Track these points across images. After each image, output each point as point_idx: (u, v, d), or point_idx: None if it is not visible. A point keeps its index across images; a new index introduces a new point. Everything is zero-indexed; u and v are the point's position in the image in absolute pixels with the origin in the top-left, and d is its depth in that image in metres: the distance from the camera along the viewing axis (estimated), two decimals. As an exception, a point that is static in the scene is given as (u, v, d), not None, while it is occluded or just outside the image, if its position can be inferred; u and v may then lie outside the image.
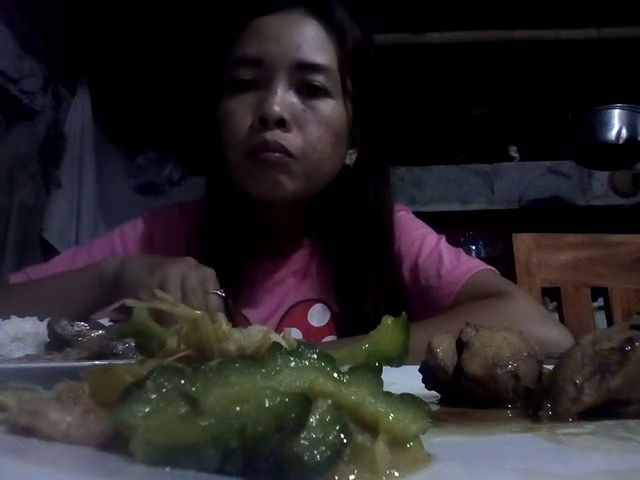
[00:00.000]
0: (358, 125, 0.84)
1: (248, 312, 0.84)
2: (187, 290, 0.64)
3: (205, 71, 0.96)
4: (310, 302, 0.85)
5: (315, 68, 0.78)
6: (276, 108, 0.74)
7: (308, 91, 0.78)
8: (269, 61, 0.77)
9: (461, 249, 0.87)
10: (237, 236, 0.84)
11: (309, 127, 0.77)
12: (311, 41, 0.79)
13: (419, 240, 0.86)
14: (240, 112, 0.78)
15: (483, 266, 0.82)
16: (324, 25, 0.80)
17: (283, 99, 0.76)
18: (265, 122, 0.74)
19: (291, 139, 0.76)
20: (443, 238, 0.87)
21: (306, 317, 0.84)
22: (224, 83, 0.81)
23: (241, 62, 0.79)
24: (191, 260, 0.68)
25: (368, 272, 0.82)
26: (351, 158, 0.85)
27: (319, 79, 0.78)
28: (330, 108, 0.79)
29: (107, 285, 0.72)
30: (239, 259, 0.84)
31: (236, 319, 0.78)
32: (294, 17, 0.80)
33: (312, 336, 0.81)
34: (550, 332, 0.67)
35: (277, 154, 0.75)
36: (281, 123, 0.75)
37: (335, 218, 0.85)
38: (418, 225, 0.91)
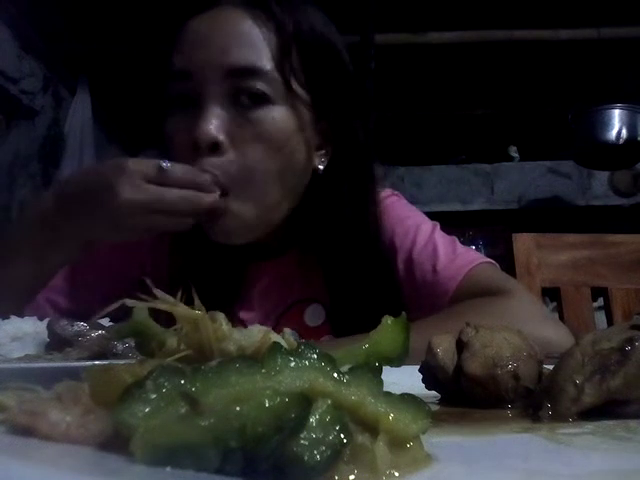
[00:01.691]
0: (324, 124, 0.75)
1: (244, 314, 0.83)
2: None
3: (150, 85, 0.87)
4: (305, 302, 0.84)
5: (251, 72, 0.68)
6: (209, 130, 0.65)
7: (246, 100, 0.68)
8: (197, 72, 0.68)
9: (455, 238, 0.82)
10: (219, 245, 0.77)
11: (249, 145, 0.68)
12: (243, 40, 0.68)
13: (413, 230, 0.81)
14: (177, 135, 0.70)
15: (480, 259, 0.78)
16: (261, 19, 0.70)
17: (216, 117, 0.67)
18: (198, 147, 0.66)
19: (227, 167, 0.67)
20: (437, 226, 0.83)
21: (302, 317, 0.83)
22: (165, 99, 0.72)
23: (172, 76, 0.71)
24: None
25: (358, 271, 0.78)
26: (322, 160, 0.77)
27: (256, 85, 0.68)
28: (273, 116, 0.69)
29: (51, 214, 0.67)
30: (230, 263, 0.82)
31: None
32: (223, 15, 0.70)
33: (309, 336, 0.80)
34: (550, 332, 0.66)
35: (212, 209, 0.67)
36: (215, 147, 0.66)
37: (317, 223, 0.79)
38: (411, 212, 0.86)
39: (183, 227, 0.68)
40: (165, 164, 0.64)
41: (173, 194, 0.64)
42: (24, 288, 0.71)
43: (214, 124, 0.66)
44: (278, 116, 0.70)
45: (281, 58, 0.69)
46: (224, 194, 0.67)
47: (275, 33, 0.70)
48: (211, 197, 0.65)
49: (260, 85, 0.68)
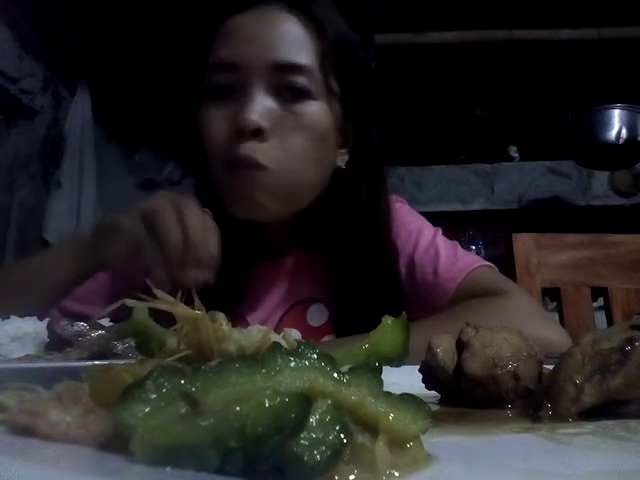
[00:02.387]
0: (348, 124, 0.80)
1: (246, 314, 0.83)
2: (184, 214, 0.60)
3: (180, 77, 0.92)
4: (308, 302, 0.84)
5: (295, 69, 0.73)
6: (253, 117, 0.69)
7: (288, 94, 0.73)
8: (244, 64, 0.72)
9: (457, 243, 0.84)
10: (229, 242, 0.81)
11: (290, 135, 0.72)
12: (289, 39, 0.73)
13: (415, 234, 0.83)
14: (217, 121, 0.73)
15: (481, 262, 0.80)
16: (303, 20, 0.75)
17: (261, 106, 0.71)
18: (241, 133, 0.70)
19: (266, 150, 0.71)
20: (439, 231, 0.85)
21: (305, 317, 0.84)
22: (203, 90, 0.76)
23: (217, 67, 0.74)
24: (167, 193, 0.65)
25: (364, 272, 0.80)
26: (342, 159, 0.81)
27: (300, 80, 0.73)
28: (313, 111, 0.74)
29: (89, 246, 0.69)
30: (234, 262, 0.83)
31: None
32: (270, 14, 0.75)
33: (311, 336, 0.80)
34: (548, 332, 0.66)
35: (250, 171, 0.71)
36: (258, 133, 0.70)
37: (329, 221, 0.81)
38: (414, 218, 0.89)
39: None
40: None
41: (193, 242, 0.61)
42: (39, 302, 0.73)
43: (258, 111, 0.70)
44: (317, 111, 0.74)
45: (322, 58, 0.74)
46: (262, 169, 0.71)
47: (316, 34, 0.75)
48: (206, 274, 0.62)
49: (302, 81, 0.73)
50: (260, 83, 0.72)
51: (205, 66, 0.76)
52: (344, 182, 0.80)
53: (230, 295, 0.81)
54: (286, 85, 0.73)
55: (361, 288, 0.80)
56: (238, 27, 0.75)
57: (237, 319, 0.81)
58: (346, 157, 0.82)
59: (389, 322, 0.29)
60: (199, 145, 0.78)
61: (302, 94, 0.73)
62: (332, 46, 0.76)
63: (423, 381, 0.39)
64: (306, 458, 0.18)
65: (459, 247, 0.83)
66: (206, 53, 0.76)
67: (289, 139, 0.72)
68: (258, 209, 0.73)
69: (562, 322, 1.07)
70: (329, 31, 0.76)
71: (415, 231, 0.84)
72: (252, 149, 0.70)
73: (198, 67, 0.78)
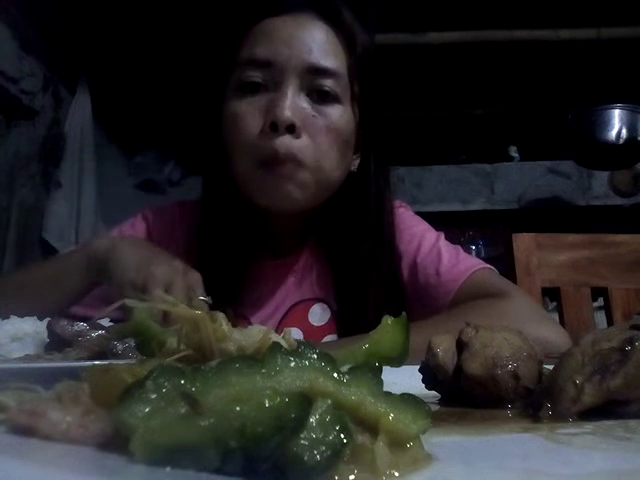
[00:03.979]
0: (361, 130, 0.83)
1: (249, 312, 0.84)
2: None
3: (207, 71, 0.94)
4: (310, 301, 0.85)
5: (326, 73, 0.76)
6: (287, 113, 0.72)
7: (318, 96, 0.76)
8: (280, 63, 0.75)
9: (459, 247, 0.86)
10: (235, 238, 0.83)
11: (319, 134, 0.75)
12: (322, 45, 0.77)
13: (418, 237, 0.85)
14: (249, 115, 0.75)
15: (482, 265, 0.81)
16: (334, 29, 0.79)
17: (294, 103, 0.74)
18: (276, 127, 0.72)
19: (302, 147, 0.74)
20: (442, 235, 0.87)
21: (307, 316, 0.84)
22: (231, 85, 0.79)
23: (250, 63, 0.77)
24: (179, 264, 0.67)
25: (368, 273, 0.81)
26: (354, 164, 0.84)
27: (329, 84, 0.76)
28: (339, 114, 0.77)
29: (94, 266, 0.71)
30: (238, 260, 0.84)
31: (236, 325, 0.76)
32: (304, 20, 0.79)
33: (313, 335, 0.81)
34: (548, 333, 0.67)
35: (289, 167, 0.73)
36: (291, 129, 0.73)
37: (337, 222, 0.84)
38: (417, 222, 0.91)
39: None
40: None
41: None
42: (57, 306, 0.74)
43: (292, 108, 0.73)
44: (343, 114, 0.78)
45: (350, 65, 0.79)
46: (301, 166, 0.74)
47: (345, 43, 0.79)
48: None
49: (332, 84, 0.77)
50: (293, 82, 0.75)
51: (232, 63, 0.79)
52: (354, 185, 0.83)
53: (233, 293, 0.82)
54: (316, 87, 0.76)
55: (364, 288, 0.80)
56: (274, 29, 0.78)
57: (240, 318, 0.82)
58: (357, 161, 0.84)
59: (389, 322, 0.29)
60: (216, 141, 0.80)
61: (330, 97, 0.77)
62: (359, 56, 0.80)
63: (423, 381, 0.39)
64: (306, 458, 0.18)
65: (461, 251, 0.85)
66: (235, 51, 0.79)
67: (319, 138, 0.75)
68: (288, 199, 0.76)
69: (562, 322, 1.07)
70: (359, 42, 0.80)
71: (418, 234, 0.86)
72: (289, 144, 0.73)
73: (226, 63, 0.81)
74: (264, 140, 0.73)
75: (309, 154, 0.74)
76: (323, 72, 0.76)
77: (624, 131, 2.58)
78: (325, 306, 0.84)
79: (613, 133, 2.60)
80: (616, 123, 2.60)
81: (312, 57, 0.76)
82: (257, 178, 0.75)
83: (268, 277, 0.86)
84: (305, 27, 0.78)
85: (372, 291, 0.81)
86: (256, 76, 0.76)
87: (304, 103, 0.75)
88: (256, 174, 0.75)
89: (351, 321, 0.80)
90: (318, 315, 0.84)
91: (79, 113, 2.83)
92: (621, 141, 2.58)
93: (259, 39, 0.78)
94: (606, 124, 2.61)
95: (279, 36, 0.77)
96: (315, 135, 0.75)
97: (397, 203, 0.91)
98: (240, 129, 0.76)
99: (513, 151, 3.75)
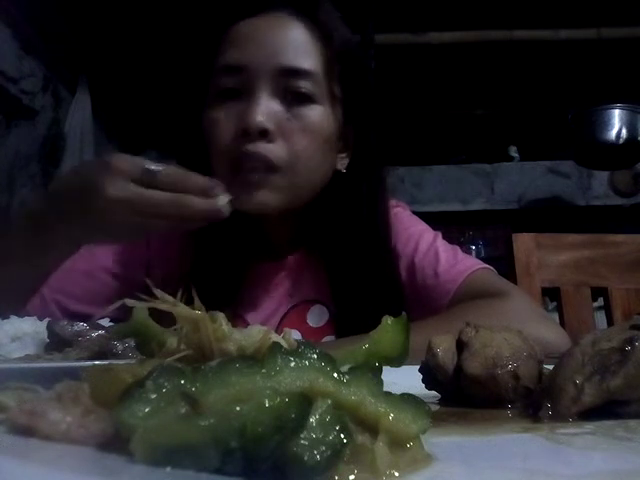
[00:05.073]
0: (349, 129, 0.82)
1: (247, 314, 0.83)
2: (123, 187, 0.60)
3: (188, 78, 0.93)
4: (308, 303, 0.85)
5: (300, 73, 0.74)
6: (259, 118, 0.71)
7: (293, 98, 0.74)
8: (251, 68, 0.74)
9: (457, 246, 0.86)
10: (230, 241, 0.81)
11: (294, 137, 0.74)
12: (295, 45, 0.75)
13: (415, 238, 0.84)
14: (223, 122, 0.74)
15: (481, 265, 0.81)
16: (309, 27, 0.77)
17: (266, 108, 0.72)
18: (247, 133, 0.71)
19: (275, 150, 0.72)
20: (439, 235, 0.86)
21: (305, 318, 0.84)
22: (210, 91, 0.78)
23: (224, 70, 0.76)
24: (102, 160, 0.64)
25: (363, 274, 0.81)
26: (343, 163, 0.82)
27: (304, 85, 0.75)
28: (316, 115, 0.76)
29: (45, 213, 0.66)
30: (235, 263, 0.83)
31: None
32: (277, 19, 0.77)
33: (311, 337, 0.81)
34: (547, 333, 0.67)
35: (260, 172, 0.72)
36: (264, 134, 0.71)
37: (329, 224, 0.82)
38: (414, 222, 0.90)
39: (178, 230, 0.68)
40: (153, 166, 0.63)
41: (159, 196, 0.62)
42: (20, 288, 0.71)
43: (265, 113, 0.72)
44: (320, 115, 0.76)
45: (327, 64, 0.76)
46: (274, 170, 0.72)
47: (322, 41, 0.77)
48: (206, 203, 0.63)
49: (306, 85, 0.75)
50: (266, 86, 0.73)
51: (212, 69, 0.77)
52: (344, 185, 0.81)
53: (230, 296, 0.81)
54: (291, 89, 0.74)
55: (361, 290, 0.80)
56: (246, 31, 0.76)
57: (238, 320, 0.82)
58: (346, 161, 0.83)
59: (389, 322, 0.29)
60: (201, 147, 0.78)
61: (306, 98, 0.75)
62: (337, 53, 0.77)
63: (423, 381, 0.39)
64: (306, 458, 0.18)
65: (459, 250, 0.84)
66: (214, 56, 0.78)
67: (294, 141, 0.74)
68: (260, 205, 0.74)
69: (562, 322, 1.07)
70: (335, 38, 0.78)
71: (416, 234, 0.85)
72: (262, 148, 0.72)
73: (205, 70, 0.79)
74: (236, 147, 0.72)
75: (282, 156, 0.73)
76: (297, 73, 0.74)
77: (624, 131, 2.58)
78: (323, 307, 0.84)
79: (613, 133, 2.60)
80: (616, 123, 2.60)
81: (284, 59, 0.74)
82: (231, 184, 0.73)
83: (265, 280, 0.85)
84: (277, 27, 0.76)
85: (369, 292, 0.80)
86: (230, 82, 0.75)
87: (277, 107, 0.74)
88: (228, 178, 0.73)
89: (349, 322, 0.80)
90: (316, 316, 0.84)
91: (79, 113, 2.84)
92: (621, 141, 2.58)
93: (232, 44, 0.76)
94: (606, 124, 2.61)
95: (250, 39, 0.75)
96: (290, 138, 0.74)
97: (394, 203, 0.90)
98: (215, 136, 0.75)
99: (513, 151, 3.75)
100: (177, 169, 0.65)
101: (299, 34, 0.76)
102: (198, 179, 0.64)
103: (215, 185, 0.64)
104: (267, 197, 0.74)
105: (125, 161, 0.63)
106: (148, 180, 0.62)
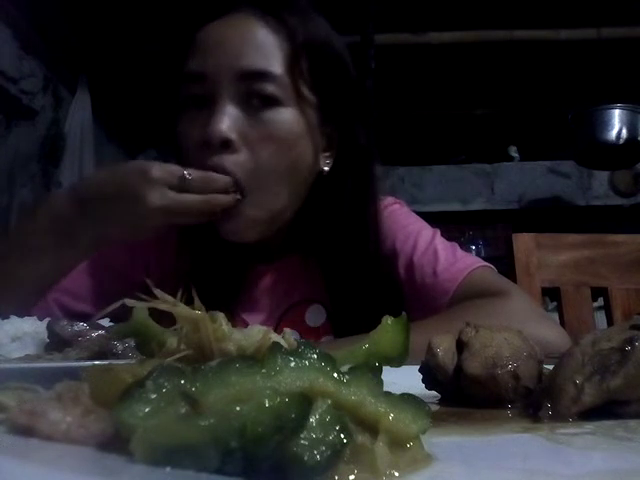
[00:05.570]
0: (330, 127, 0.79)
1: (245, 315, 0.83)
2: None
3: (162, 85, 0.92)
4: (306, 303, 0.84)
5: (261, 76, 0.71)
6: (221, 127, 0.68)
7: (258, 102, 0.71)
8: (211, 74, 0.71)
9: (456, 244, 0.84)
10: (226, 244, 0.79)
11: (260, 143, 0.71)
12: (255, 46, 0.72)
13: (414, 236, 0.83)
14: (188, 133, 0.73)
15: (480, 263, 0.80)
16: (273, 26, 0.73)
17: (228, 117, 0.70)
18: (209, 145, 0.69)
19: (239, 162, 0.70)
20: (438, 232, 0.85)
21: (303, 318, 0.84)
22: (179, 99, 0.76)
23: (187, 78, 0.74)
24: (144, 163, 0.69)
25: (357, 273, 0.80)
26: (327, 162, 0.80)
27: (267, 87, 0.71)
28: (282, 118, 0.72)
29: (68, 212, 0.69)
30: (231, 266, 0.83)
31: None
32: (240, 21, 0.74)
33: (309, 336, 0.80)
34: (547, 332, 0.66)
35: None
36: (227, 144, 0.69)
37: (318, 225, 0.81)
38: (412, 220, 0.88)
39: (197, 222, 0.73)
40: (187, 173, 0.68)
41: (193, 199, 0.68)
42: (38, 286, 0.73)
43: (226, 123, 0.69)
44: (287, 118, 0.73)
45: (291, 63, 0.73)
46: (243, 196, 0.71)
47: (286, 40, 0.73)
48: (228, 198, 0.69)
49: (271, 88, 0.72)
50: (227, 92, 0.71)
51: (180, 77, 0.76)
52: (329, 186, 0.80)
53: (230, 296, 0.81)
54: (254, 93, 0.71)
55: (357, 289, 0.80)
56: (208, 36, 0.74)
57: (236, 320, 0.82)
58: (330, 161, 0.80)
59: (389, 322, 0.29)
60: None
61: (271, 101, 0.72)
62: (304, 51, 0.74)
63: (423, 381, 0.39)
64: (306, 458, 0.18)
65: (458, 248, 0.83)
66: (183, 63, 0.75)
67: (260, 151, 0.71)
68: (241, 234, 0.74)
69: (562, 322, 1.07)
70: (299, 36, 0.74)
71: (414, 232, 0.83)
72: (225, 160, 0.70)
73: (175, 76, 0.77)
74: (201, 160, 0.70)
75: (247, 167, 0.70)
76: (258, 76, 0.71)
77: (624, 131, 2.58)
78: (321, 307, 0.84)
79: (613, 133, 2.60)
80: (616, 123, 2.60)
81: (245, 62, 0.71)
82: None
83: (263, 281, 0.85)
84: (236, 29, 0.73)
85: (363, 291, 0.80)
86: (195, 90, 0.73)
87: (241, 114, 0.71)
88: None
89: (346, 322, 0.80)
90: (314, 316, 0.84)
91: (79, 113, 2.84)
92: (621, 141, 2.59)
93: (196, 50, 0.74)
94: (606, 124, 2.61)
95: (210, 44, 0.73)
96: (255, 146, 0.71)
97: (391, 200, 0.88)
98: (183, 148, 0.74)
99: (513, 151, 3.75)
100: (199, 172, 0.69)
101: (259, 34, 0.73)
102: (219, 178, 0.69)
103: (231, 181, 0.69)
104: (240, 226, 0.73)
105: (162, 170, 0.68)
106: (181, 186, 0.67)
